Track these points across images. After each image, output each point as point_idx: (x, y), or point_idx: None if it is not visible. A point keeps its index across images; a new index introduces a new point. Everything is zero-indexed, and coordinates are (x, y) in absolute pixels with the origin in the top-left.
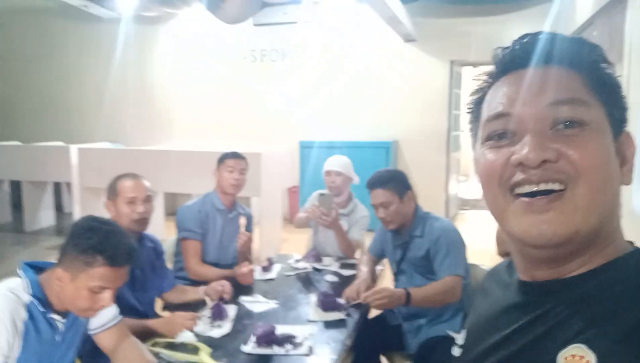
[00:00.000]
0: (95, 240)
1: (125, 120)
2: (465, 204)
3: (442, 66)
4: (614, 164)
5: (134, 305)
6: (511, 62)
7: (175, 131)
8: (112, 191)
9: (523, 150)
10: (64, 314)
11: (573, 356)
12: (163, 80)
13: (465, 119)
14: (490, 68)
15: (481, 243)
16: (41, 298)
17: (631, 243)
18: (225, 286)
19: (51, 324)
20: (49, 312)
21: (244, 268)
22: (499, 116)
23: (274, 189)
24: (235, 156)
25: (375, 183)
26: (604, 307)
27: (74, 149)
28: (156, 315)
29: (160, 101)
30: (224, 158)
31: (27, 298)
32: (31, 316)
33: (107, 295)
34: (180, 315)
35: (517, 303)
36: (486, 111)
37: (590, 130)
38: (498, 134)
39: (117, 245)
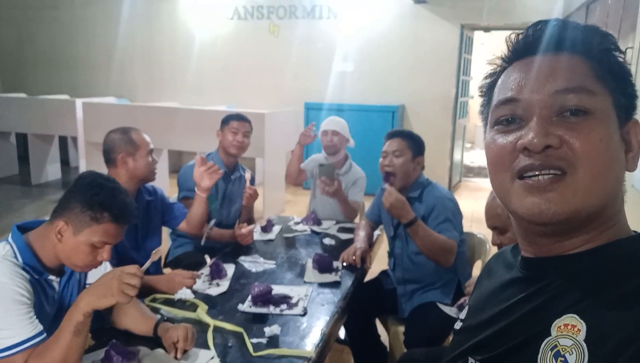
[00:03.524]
0: (103, 196)
1: (132, 77)
2: (470, 171)
3: (452, 29)
4: (617, 152)
5: (135, 259)
6: (524, 48)
7: (181, 89)
8: (132, 145)
9: (528, 135)
10: (58, 272)
11: (566, 325)
12: (171, 37)
13: (474, 85)
14: (504, 53)
15: (481, 211)
16: (33, 265)
17: (636, 232)
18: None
19: (50, 284)
20: (44, 275)
21: (243, 229)
22: (508, 101)
23: (278, 151)
24: (240, 118)
25: (398, 133)
26: (598, 282)
27: (79, 103)
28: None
29: (168, 58)
30: (228, 119)
31: (20, 264)
32: (31, 277)
33: (107, 249)
34: (180, 273)
35: (518, 278)
36: (497, 95)
37: (594, 118)
38: (507, 119)
39: (124, 203)
